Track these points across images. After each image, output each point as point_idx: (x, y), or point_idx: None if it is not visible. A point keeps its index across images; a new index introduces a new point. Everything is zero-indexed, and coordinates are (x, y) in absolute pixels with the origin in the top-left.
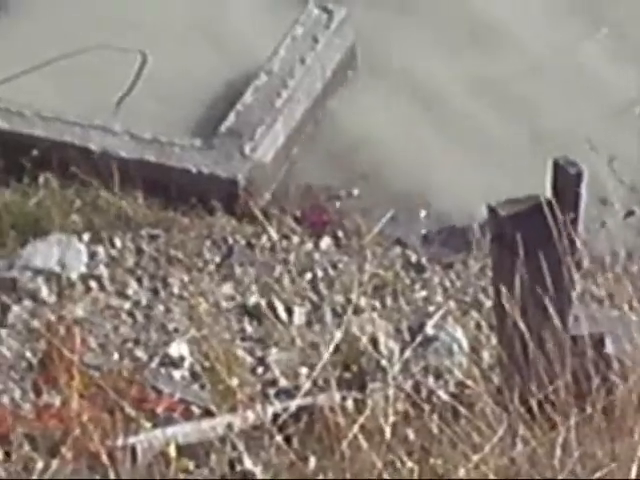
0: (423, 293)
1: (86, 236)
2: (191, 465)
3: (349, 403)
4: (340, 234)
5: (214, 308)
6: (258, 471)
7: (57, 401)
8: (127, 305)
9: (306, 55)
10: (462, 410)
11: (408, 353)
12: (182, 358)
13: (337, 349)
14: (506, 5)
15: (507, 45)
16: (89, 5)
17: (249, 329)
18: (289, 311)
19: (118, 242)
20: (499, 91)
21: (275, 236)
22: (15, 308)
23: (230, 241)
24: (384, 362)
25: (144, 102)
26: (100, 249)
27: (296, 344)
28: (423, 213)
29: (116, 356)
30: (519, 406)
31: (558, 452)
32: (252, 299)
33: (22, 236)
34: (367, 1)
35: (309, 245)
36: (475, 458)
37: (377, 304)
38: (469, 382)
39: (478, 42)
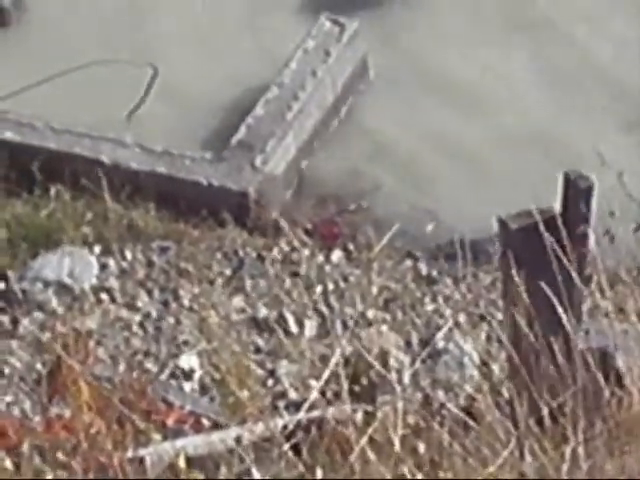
0: (433, 306)
1: (97, 248)
2: (200, 477)
3: (358, 415)
4: (351, 247)
5: (224, 321)
6: None
7: (67, 413)
8: (138, 317)
9: (317, 68)
10: (472, 423)
11: (418, 366)
12: (192, 370)
13: (347, 361)
14: None
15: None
16: (101, 18)
17: (259, 341)
18: (300, 324)
19: (129, 254)
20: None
21: (286, 249)
22: (25, 320)
23: (241, 253)
24: (394, 375)
25: (155, 115)
26: (111, 261)
27: (306, 356)
28: (433, 226)
29: (126, 368)
30: (529, 419)
31: (567, 465)
32: (263, 312)
33: (33, 248)
34: (378, 14)
35: (320, 258)
36: (485, 472)
37: (387, 317)
38: (479, 395)
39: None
